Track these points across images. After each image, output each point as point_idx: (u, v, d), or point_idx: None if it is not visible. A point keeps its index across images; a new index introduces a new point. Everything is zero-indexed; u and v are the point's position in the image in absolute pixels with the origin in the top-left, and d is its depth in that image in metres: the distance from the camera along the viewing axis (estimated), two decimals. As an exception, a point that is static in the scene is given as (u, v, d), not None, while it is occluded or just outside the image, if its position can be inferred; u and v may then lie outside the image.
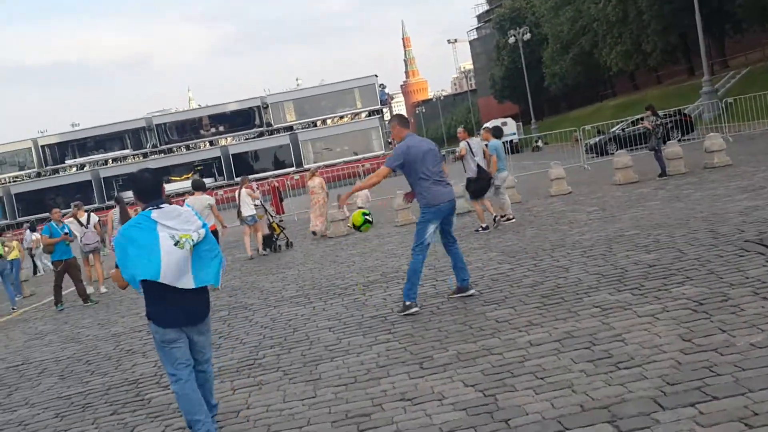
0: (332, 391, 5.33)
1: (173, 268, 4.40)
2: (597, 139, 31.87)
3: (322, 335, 7.13)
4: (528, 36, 64.82)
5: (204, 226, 4.71)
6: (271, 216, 17.32)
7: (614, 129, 31.76)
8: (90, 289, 14.12)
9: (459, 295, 7.63)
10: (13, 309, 14.61)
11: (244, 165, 73.15)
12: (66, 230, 13.30)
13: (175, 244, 4.43)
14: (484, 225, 12.89)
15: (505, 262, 9.17)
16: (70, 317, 12.01)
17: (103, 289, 14.64)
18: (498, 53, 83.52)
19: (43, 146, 76.88)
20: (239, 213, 16.25)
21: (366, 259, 12.20)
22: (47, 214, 23.71)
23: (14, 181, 75.81)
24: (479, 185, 12.73)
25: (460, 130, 13.75)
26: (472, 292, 7.62)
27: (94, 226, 14.82)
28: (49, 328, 11.16)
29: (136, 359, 7.68)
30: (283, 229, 17.35)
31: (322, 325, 7.57)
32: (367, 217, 7.63)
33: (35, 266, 25.71)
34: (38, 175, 76.31)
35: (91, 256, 14.86)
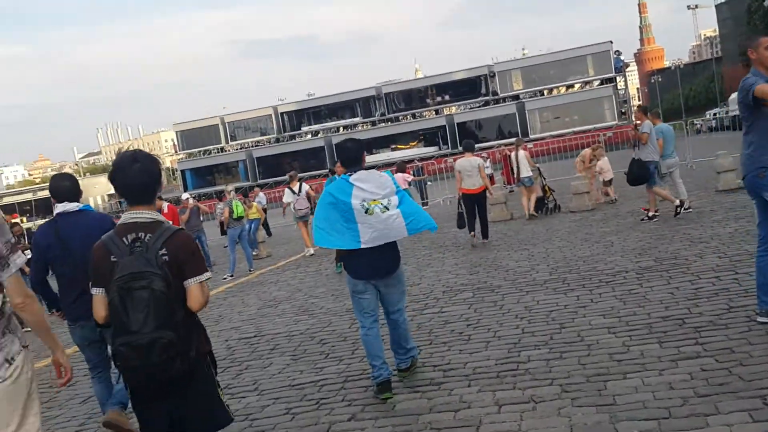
0: (640, 429, 3.88)
1: (369, 232, 5.00)
2: None
3: (600, 337, 5.66)
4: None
5: (398, 192, 5.18)
6: (544, 178, 16.55)
7: None
8: (310, 251, 15.69)
9: None
10: (251, 270, 14.63)
11: (468, 134, 72.21)
12: None
13: (366, 212, 5.00)
14: (650, 213, 12.02)
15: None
16: (304, 284, 11.54)
17: (311, 251, 15.70)
18: (750, 18, 74.51)
19: (282, 113, 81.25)
20: (517, 175, 16.25)
21: (625, 239, 10.45)
22: (284, 177, 24.51)
23: (256, 146, 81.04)
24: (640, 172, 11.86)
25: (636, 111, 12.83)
26: None
27: (306, 194, 15.84)
28: (283, 295, 10.71)
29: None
30: (553, 191, 16.55)
31: (596, 323, 6.09)
32: None
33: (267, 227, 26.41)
34: (277, 140, 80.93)
35: (300, 222, 15.98)
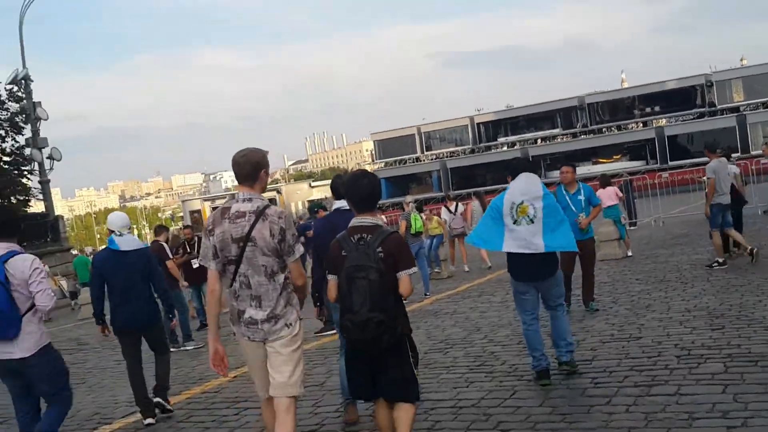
0: None
1: (513, 240, 5.80)
2: None
3: None
4: None
5: (545, 198, 5.78)
6: None
7: None
8: (452, 269, 16.47)
9: None
10: (426, 295, 12.73)
11: (679, 148, 66.29)
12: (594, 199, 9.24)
13: (514, 222, 5.77)
14: (721, 259, 11.07)
15: None
16: (485, 320, 9.40)
17: (466, 268, 16.13)
18: None
19: (478, 124, 79.44)
20: None
21: None
22: (475, 189, 22.82)
23: (450, 156, 79.83)
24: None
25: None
26: None
27: (461, 214, 16.44)
28: (458, 335, 8.61)
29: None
30: None
31: None
32: None
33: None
34: (472, 151, 79.21)
35: (456, 240, 16.47)
